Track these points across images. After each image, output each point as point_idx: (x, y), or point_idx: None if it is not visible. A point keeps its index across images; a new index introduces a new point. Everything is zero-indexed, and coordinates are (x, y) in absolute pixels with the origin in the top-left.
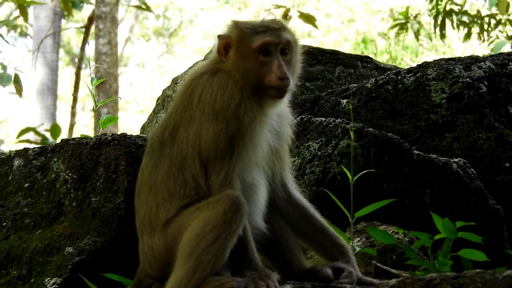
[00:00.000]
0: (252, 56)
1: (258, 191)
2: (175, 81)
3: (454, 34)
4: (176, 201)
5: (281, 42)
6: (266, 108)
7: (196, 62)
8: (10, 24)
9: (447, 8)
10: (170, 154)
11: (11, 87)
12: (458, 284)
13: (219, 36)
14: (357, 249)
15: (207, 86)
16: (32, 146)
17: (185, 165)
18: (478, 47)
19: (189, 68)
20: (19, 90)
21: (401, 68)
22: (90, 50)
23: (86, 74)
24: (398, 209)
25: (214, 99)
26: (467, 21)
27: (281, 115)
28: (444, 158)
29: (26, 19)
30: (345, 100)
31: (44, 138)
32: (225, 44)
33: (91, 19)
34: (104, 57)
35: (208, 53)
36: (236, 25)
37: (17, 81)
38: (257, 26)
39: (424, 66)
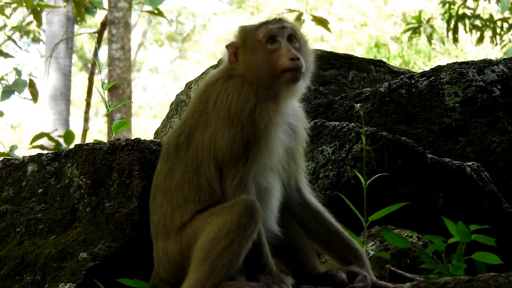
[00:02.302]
0: (260, 48)
1: (273, 195)
2: (188, 86)
3: (466, 38)
4: (191, 206)
5: (285, 27)
6: (283, 102)
7: (209, 68)
8: (23, 30)
9: (460, 12)
10: (185, 158)
11: (25, 93)
12: (472, 287)
13: (227, 46)
14: (371, 253)
15: (222, 90)
16: (45, 151)
17: (200, 170)
18: (491, 51)
19: (202, 74)
20: (34, 96)
21: (414, 72)
22: (103, 55)
23: (99, 79)
24: (412, 212)
25: (229, 103)
26: (480, 25)
27: (296, 116)
28: (458, 162)
29: (40, 24)
30: (358, 104)
31: (57, 144)
32: (234, 51)
33: (104, 24)
34: (117, 62)
35: (221, 59)
36: (240, 29)
37: (32, 86)
38: (260, 22)
39: (438, 70)
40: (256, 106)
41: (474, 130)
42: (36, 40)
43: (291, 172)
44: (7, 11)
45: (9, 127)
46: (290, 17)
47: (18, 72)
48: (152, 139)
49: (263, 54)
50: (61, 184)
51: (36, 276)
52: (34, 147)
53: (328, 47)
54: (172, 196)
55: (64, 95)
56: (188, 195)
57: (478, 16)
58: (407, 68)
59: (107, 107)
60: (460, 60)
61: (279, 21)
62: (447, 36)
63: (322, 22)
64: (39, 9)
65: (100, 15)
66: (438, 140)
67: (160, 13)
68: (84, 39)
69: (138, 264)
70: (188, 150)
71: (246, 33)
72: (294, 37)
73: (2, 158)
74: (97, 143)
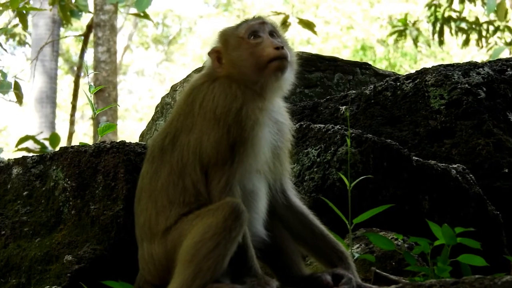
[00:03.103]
0: (243, 43)
1: (259, 198)
2: (174, 88)
3: (452, 40)
4: (176, 209)
5: (265, 23)
6: (270, 96)
7: (192, 72)
8: (8, 32)
9: (446, 15)
10: (170, 161)
11: (10, 95)
12: None
13: (209, 54)
14: (356, 255)
15: (208, 92)
16: (31, 154)
17: (186, 172)
18: (477, 54)
19: (187, 76)
20: (19, 98)
21: (400, 75)
22: (89, 58)
23: (85, 82)
24: (397, 215)
25: (215, 104)
26: (466, 27)
27: (282, 115)
28: (443, 164)
29: (25, 27)
30: (344, 107)
31: (43, 147)
32: (217, 56)
33: (90, 27)
34: (103, 65)
35: (203, 65)
36: (220, 32)
37: (17, 89)
38: (239, 22)
39: (423, 72)
40: (242, 106)
41: (459, 133)
42: (22, 43)
43: (277, 173)
44: None
45: None
46: (277, 20)
47: (3, 74)
48: (138, 141)
49: (246, 48)
50: (46, 186)
51: (21, 279)
52: (19, 149)
53: (314, 50)
54: (157, 198)
55: (50, 98)
56: (173, 197)
57: (464, 19)
58: (393, 70)
59: (93, 110)
60: (446, 62)
61: (258, 18)
62: (433, 39)
63: (308, 25)
64: (24, 12)
65: (86, 18)
66: (424, 142)
67: (146, 16)
68: (70, 42)
69: (123, 266)
70: (174, 153)
71: (227, 33)
72: (275, 33)
73: None
74: (82, 145)
